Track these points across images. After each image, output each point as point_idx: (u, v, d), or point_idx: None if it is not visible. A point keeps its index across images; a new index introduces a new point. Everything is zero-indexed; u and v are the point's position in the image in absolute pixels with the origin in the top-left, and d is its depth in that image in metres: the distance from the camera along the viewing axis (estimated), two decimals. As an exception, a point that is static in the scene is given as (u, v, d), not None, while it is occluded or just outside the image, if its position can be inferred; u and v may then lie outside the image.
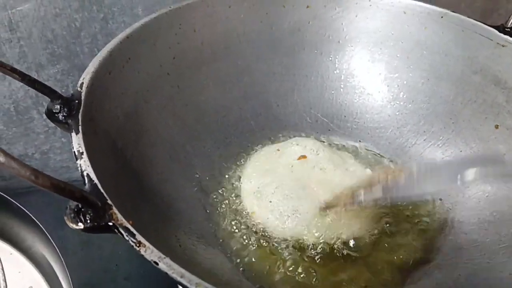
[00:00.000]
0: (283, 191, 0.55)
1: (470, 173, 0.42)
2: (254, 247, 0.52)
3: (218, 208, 0.55)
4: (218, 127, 0.62)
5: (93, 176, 0.35)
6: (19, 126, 0.66)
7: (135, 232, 0.32)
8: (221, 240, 0.52)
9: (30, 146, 0.69)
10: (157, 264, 0.31)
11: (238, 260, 0.50)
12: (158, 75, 0.56)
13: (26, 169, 0.29)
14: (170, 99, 0.57)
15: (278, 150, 0.61)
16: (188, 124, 0.59)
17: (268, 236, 0.53)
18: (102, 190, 0.34)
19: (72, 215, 0.32)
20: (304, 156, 0.59)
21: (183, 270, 0.30)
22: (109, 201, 0.34)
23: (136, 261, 0.63)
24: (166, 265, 0.30)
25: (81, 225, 0.32)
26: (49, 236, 0.53)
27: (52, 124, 0.66)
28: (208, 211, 0.55)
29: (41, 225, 0.54)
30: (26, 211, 0.55)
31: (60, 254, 0.52)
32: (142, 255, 0.32)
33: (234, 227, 0.54)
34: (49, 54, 0.62)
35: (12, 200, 0.57)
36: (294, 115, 0.66)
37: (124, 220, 0.33)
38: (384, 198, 0.47)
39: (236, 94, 0.64)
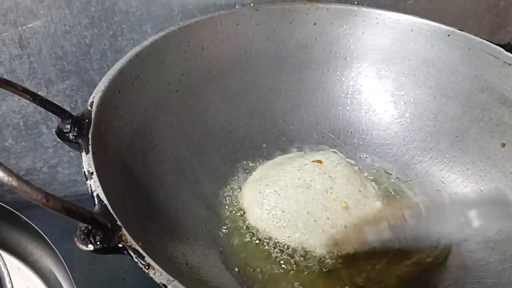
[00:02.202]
0: (275, 187, 0.57)
1: (475, 215, 0.42)
2: (261, 264, 0.52)
3: (224, 224, 0.56)
4: (225, 143, 0.62)
5: (102, 197, 0.36)
6: (28, 140, 0.67)
7: (144, 254, 0.32)
8: (226, 257, 0.52)
9: (39, 160, 0.69)
10: (165, 286, 0.31)
11: (245, 279, 0.51)
12: (166, 92, 0.56)
13: (38, 192, 0.29)
14: (178, 116, 0.58)
15: (305, 153, 0.64)
16: (195, 140, 0.59)
17: (276, 248, 0.53)
18: (111, 211, 0.35)
19: (82, 236, 0.33)
20: (320, 161, 0.59)
21: (191, 294, 0.30)
22: (119, 222, 0.34)
23: (141, 276, 0.63)
24: (174, 288, 0.31)
25: (91, 247, 0.32)
26: (56, 251, 0.53)
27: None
28: (214, 227, 0.55)
29: (48, 240, 0.54)
30: (34, 225, 0.56)
31: (67, 269, 0.52)
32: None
33: (240, 244, 0.54)
34: (59, 70, 0.62)
35: (20, 214, 0.57)
36: (300, 131, 0.66)
37: (133, 242, 0.33)
38: (393, 239, 0.47)
39: (243, 110, 0.64)
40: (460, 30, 0.60)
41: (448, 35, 0.60)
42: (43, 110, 0.64)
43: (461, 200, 0.57)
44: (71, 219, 0.70)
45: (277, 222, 0.55)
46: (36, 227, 0.55)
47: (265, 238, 0.54)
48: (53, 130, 0.67)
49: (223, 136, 0.62)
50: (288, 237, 0.54)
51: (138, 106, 0.52)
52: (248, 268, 0.52)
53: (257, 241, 0.54)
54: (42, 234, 0.55)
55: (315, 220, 0.54)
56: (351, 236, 0.52)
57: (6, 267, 0.40)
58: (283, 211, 0.55)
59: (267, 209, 0.56)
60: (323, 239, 0.53)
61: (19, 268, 0.58)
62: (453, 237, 0.53)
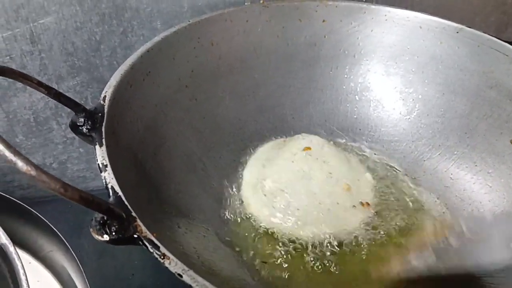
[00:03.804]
0: (279, 185, 0.56)
1: None
2: (271, 255, 0.52)
3: (234, 218, 0.56)
4: (234, 139, 0.63)
5: (117, 188, 0.36)
6: (38, 136, 0.67)
7: (159, 244, 0.33)
8: (237, 250, 0.53)
9: (49, 156, 0.70)
10: (181, 276, 0.31)
11: (256, 269, 0.51)
12: (176, 88, 0.57)
13: (57, 182, 0.30)
14: (188, 112, 0.58)
15: (284, 141, 0.63)
16: (205, 136, 0.60)
17: (284, 239, 0.54)
18: (126, 203, 0.35)
19: (98, 227, 0.33)
20: (309, 148, 0.60)
21: (206, 283, 0.31)
22: (133, 213, 0.34)
23: (150, 271, 0.64)
24: (190, 277, 0.31)
25: (106, 237, 0.33)
26: (68, 245, 0.54)
27: (70, 135, 0.68)
28: (224, 222, 0.56)
29: (60, 234, 0.55)
30: (45, 220, 0.56)
31: (79, 263, 0.52)
32: (166, 267, 0.32)
33: (250, 237, 0.55)
34: (69, 67, 0.63)
35: (31, 209, 0.57)
36: (309, 127, 0.66)
37: (148, 232, 0.33)
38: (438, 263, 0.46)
39: (252, 107, 0.64)
40: (468, 27, 0.60)
41: (457, 32, 0.60)
42: (53, 106, 0.65)
43: (505, 217, 0.55)
44: (80, 215, 0.71)
45: (295, 222, 0.54)
46: (47, 222, 0.55)
47: (281, 237, 0.54)
48: (63, 126, 0.67)
49: (232, 132, 0.62)
50: (311, 235, 0.53)
51: (149, 102, 0.53)
52: (261, 262, 0.52)
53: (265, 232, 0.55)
54: (54, 228, 0.55)
55: (328, 209, 0.54)
56: (394, 263, 0.51)
57: (21, 260, 0.40)
58: (298, 209, 0.55)
59: (280, 211, 0.55)
60: (341, 224, 0.54)
61: (30, 263, 0.58)
62: (504, 261, 0.49)
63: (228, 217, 0.56)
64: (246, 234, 0.55)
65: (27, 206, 0.58)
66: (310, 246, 0.53)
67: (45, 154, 0.69)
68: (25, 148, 0.68)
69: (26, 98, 0.63)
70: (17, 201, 0.58)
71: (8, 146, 0.29)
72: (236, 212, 0.57)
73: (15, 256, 0.40)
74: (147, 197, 0.45)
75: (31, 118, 0.65)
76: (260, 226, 0.55)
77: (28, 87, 0.62)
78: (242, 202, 0.58)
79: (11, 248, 0.41)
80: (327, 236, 0.53)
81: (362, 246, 0.53)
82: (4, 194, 0.59)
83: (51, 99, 0.62)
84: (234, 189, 0.59)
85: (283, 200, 0.56)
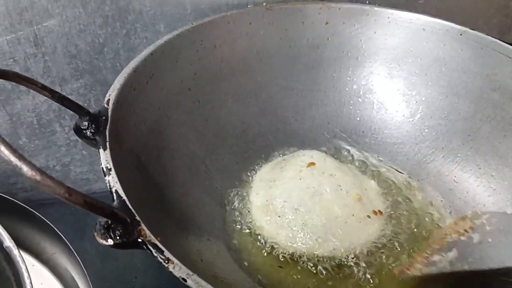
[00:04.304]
0: (292, 204, 0.56)
1: None
2: (272, 262, 0.52)
3: (236, 222, 0.56)
4: (237, 142, 0.63)
5: (121, 192, 0.36)
6: (41, 138, 0.67)
7: (163, 248, 0.33)
8: (238, 254, 0.53)
9: (52, 158, 0.70)
10: (185, 280, 0.31)
11: (259, 276, 0.51)
12: (179, 90, 0.57)
13: (61, 187, 0.30)
14: (191, 114, 0.58)
15: (284, 160, 0.63)
16: (208, 139, 0.60)
17: (284, 252, 0.53)
18: (130, 207, 0.35)
19: (102, 231, 0.33)
20: (313, 163, 0.60)
21: (210, 287, 0.31)
22: (137, 217, 0.34)
23: (153, 274, 0.64)
24: (194, 281, 0.31)
25: (110, 241, 0.33)
26: (71, 248, 0.54)
27: (73, 137, 0.69)
28: (226, 225, 0.56)
29: (63, 237, 0.55)
30: (49, 222, 0.56)
31: (82, 266, 0.52)
32: (170, 272, 0.32)
33: (251, 242, 0.55)
34: (73, 69, 0.63)
35: (34, 211, 0.58)
36: (312, 130, 0.66)
37: (152, 236, 0.33)
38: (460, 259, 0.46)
39: (254, 109, 0.64)
40: (472, 29, 0.60)
41: (460, 35, 0.60)
42: (57, 108, 0.65)
43: None
44: (83, 218, 0.70)
45: (315, 239, 0.53)
46: (51, 224, 0.55)
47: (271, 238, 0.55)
48: (66, 129, 0.68)
49: (235, 135, 0.62)
50: (333, 249, 0.53)
51: (153, 104, 0.53)
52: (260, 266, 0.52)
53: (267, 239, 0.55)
54: (57, 231, 0.55)
55: (346, 222, 0.54)
56: (416, 258, 0.52)
57: (25, 263, 0.40)
58: (315, 226, 0.54)
59: (297, 231, 0.54)
60: (360, 236, 0.54)
61: (33, 265, 0.58)
62: None
63: (235, 226, 0.56)
64: (250, 242, 0.55)
65: (30, 209, 0.58)
66: (336, 262, 0.52)
67: (48, 156, 0.69)
68: (28, 150, 0.68)
69: (29, 101, 0.64)
70: (20, 203, 0.59)
71: (13, 151, 0.29)
72: (240, 215, 0.57)
73: (19, 259, 0.40)
74: (150, 201, 0.45)
75: (34, 120, 0.65)
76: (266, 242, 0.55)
77: (31, 90, 0.62)
78: (245, 204, 0.58)
79: (15, 251, 0.41)
80: (352, 248, 0.53)
81: (386, 254, 0.53)
82: (7, 196, 0.59)
83: (54, 102, 0.63)
84: (238, 192, 0.59)
85: (300, 218, 0.55)
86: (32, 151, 0.68)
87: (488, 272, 0.50)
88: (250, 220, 0.57)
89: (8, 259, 0.41)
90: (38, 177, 0.29)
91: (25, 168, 0.29)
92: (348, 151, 0.65)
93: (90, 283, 0.51)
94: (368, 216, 0.55)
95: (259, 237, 0.55)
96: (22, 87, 0.62)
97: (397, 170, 0.63)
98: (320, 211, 0.55)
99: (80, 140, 0.68)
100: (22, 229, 0.59)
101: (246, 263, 0.52)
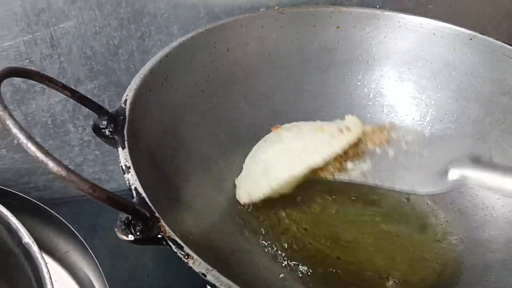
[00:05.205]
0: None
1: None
2: (286, 257, 0.53)
3: (249, 222, 0.57)
4: (249, 144, 0.63)
5: (140, 190, 0.37)
6: (55, 138, 0.68)
7: (183, 244, 0.33)
8: (253, 250, 0.53)
9: (65, 158, 0.71)
10: (205, 276, 0.32)
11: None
12: (193, 92, 0.58)
13: (85, 183, 0.30)
14: (204, 116, 0.59)
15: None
16: (221, 140, 0.60)
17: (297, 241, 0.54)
18: (149, 204, 0.36)
19: (123, 227, 0.34)
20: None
21: (230, 282, 0.31)
22: (157, 214, 0.35)
23: (164, 272, 0.65)
24: (213, 277, 0.32)
25: (131, 237, 0.33)
26: (86, 246, 0.54)
27: (86, 138, 0.70)
28: (239, 225, 0.56)
29: (78, 235, 0.55)
30: (64, 220, 0.57)
31: (98, 264, 0.53)
32: (190, 267, 0.33)
33: (264, 240, 0.55)
34: (88, 70, 0.64)
35: (49, 209, 0.58)
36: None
37: (172, 232, 0.34)
38: (373, 173, 0.48)
39: (266, 111, 0.65)
40: (481, 34, 0.61)
41: (470, 39, 0.61)
42: (71, 109, 0.66)
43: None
44: (94, 217, 0.71)
45: None
46: (66, 222, 0.56)
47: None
48: (80, 129, 0.69)
49: (247, 136, 0.63)
50: None
51: (167, 106, 0.54)
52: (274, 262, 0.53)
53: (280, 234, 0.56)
54: (72, 229, 0.56)
55: None
56: (331, 162, 0.53)
57: (44, 259, 0.41)
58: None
59: None
60: None
61: (47, 263, 0.59)
62: (427, 187, 0.53)
63: (243, 220, 0.57)
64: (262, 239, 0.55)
65: (45, 207, 0.59)
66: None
67: (61, 156, 0.70)
68: (42, 150, 0.69)
69: (44, 101, 0.65)
70: (35, 201, 0.60)
71: (40, 147, 0.30)
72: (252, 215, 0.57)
73: (38, 255, 0.41)
74: (166, 199, 0.46)
75: (48, 120, 0.66)
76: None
77: (46, 90, 0.63)
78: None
79: (34, 247, 0.42)
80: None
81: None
82: (21, 194, 0.60)
83: (69, 102, 0.64)
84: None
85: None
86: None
87: (397, 193, 0.54)
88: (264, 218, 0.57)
89: (27, 255, 0.42)
90: (63, 172, 0.30)
91: (51, 164, 0.30)
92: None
93: (106, 281, 0.52)
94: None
95: (271, 232, 0.56)
96: (37, 88, 0.63)
97: (407, 173, 0.63)
98: None
99: (93, 140, 0.70)
100: (37, 227, 0.59)
101: (263, 262, 0.52)
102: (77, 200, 0.76)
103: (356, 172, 0.54)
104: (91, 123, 0.66)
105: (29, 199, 0.59)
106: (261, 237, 0.55)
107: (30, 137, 0.30)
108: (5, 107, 0.31)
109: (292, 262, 0.52)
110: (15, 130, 0.30)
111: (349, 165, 0.55)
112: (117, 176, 0.75)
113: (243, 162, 0.61)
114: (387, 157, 0.54)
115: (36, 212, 0.59)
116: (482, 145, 0.55)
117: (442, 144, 0.57)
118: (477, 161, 0.50)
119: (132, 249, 0.69)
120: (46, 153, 0.30)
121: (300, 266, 0.52)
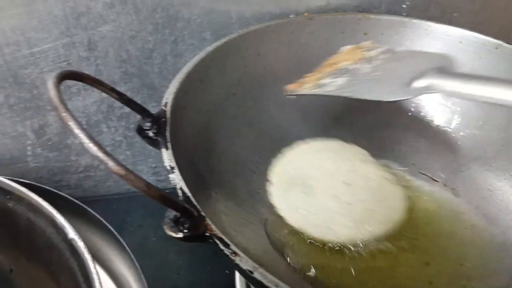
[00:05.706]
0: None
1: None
2: (315, 260, 0.54)
3: (281, 226, 0.58)
4: (277, 146, 0.65)
5: (186, 189, 0.39)
6: (89, 138, 0.70)
7: (229, 242, 0.35)
8: (282, 254, 0.55)
9: (97, 157, 0.73)
10: (251, 273, 0.33)
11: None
12: (225, 95, 0.60)
13: (141, 181, 0.32)
14: (235, 119, 0.61)
15: None
16: (250, 143, 0.62)
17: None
18: (195, 203, 0.38)
19: (172, 224, 0.35)
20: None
21: (276, 280, 0.33)
22: (203, 213, 0.37)
23: (194, 270, 0.66)
24: (260, 274, 0.33)
25: (180, 234, 0.35)
26: (123, 243, 0.56)
27: (118, 138, 0.72)
28: (268, 227, 0.58)
29: (115, 232, 0.57)
30: (100, 218, 0.59)
31: (135, 261, 0.55)
32: (237, 264, 0.34)
33: (291, 241, 0.56)
34: (122, 73, 0.66)
35: (86, 206, 0.60)
36: (348, 136, 0.68)
37: (218, 230, 0.36)
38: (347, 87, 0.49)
39: (294, 116, 0.66)
40: (507, 43, 0.62)
41: (496, 48, 0.62)
42: (104, 110, 0.68)
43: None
44: (123, 215, 0.73)
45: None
46: (103, 220, 0.58)
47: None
48: (113, 130, 0.71)
49: (276, 139, 0.65)
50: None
51: (202, 108, 0.55)
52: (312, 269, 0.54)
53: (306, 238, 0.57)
54: (109, 226, 0.58)
55: None
56: (307, 79, 0.55)
57: (90, 254, 0.42)
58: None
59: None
60: None
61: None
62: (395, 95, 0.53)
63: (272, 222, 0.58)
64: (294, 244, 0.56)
65: (81, 204, 0.60)
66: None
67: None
68: (75, 149, 0.71)
69: (80, 102, 0.67)
70: (71, 198, 0.61)
71: (101, 148, 0.32)
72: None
73: (84, 250, 0.43)
74: (204, 199, 0.48)
75: (83, 121, 0.68)
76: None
77: (82, 92, 0.65)
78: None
79: (80, 242, 0.43)
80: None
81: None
82: (57, 191, 0.62)
83: (103, 104, 0.66)
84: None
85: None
86: (78, 150, 0.71)
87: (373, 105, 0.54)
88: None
89: (72, 251, 0.43)
90: (122, 172, 0.32)
91: (110, 163, 0.32)
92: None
93: (143, 277, 0.54)
94: None
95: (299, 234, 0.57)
96: (74, 89, 0.65)
97: (432, 178, 0.64)
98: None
99: (124, 141, 0.72)
100: (74, 224, 0.61)
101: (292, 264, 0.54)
102: (106, 198, 0.78)
103: (330, 86, 0.54)
104: (123, 123, 0.68)
105: (66, 196, 0.61)
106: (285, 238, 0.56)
107: (91, 138, 0.32)
108: (67, 109, 0.33)
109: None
110: (77, 131, 0.32)
111: (326, 80, 0.55)
112: (146, 176, 0.77)
113: (270, 163, 0.62)
114: (361, 72, 0.55)
115: (69, 208, 0.61)
116: (450, 59, 0.56)
117: (413, 58, 0.57)
118: (444, 72, 0.52)
119: (159, 246, 0.71)
120: (106, 153, 0.32)
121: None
